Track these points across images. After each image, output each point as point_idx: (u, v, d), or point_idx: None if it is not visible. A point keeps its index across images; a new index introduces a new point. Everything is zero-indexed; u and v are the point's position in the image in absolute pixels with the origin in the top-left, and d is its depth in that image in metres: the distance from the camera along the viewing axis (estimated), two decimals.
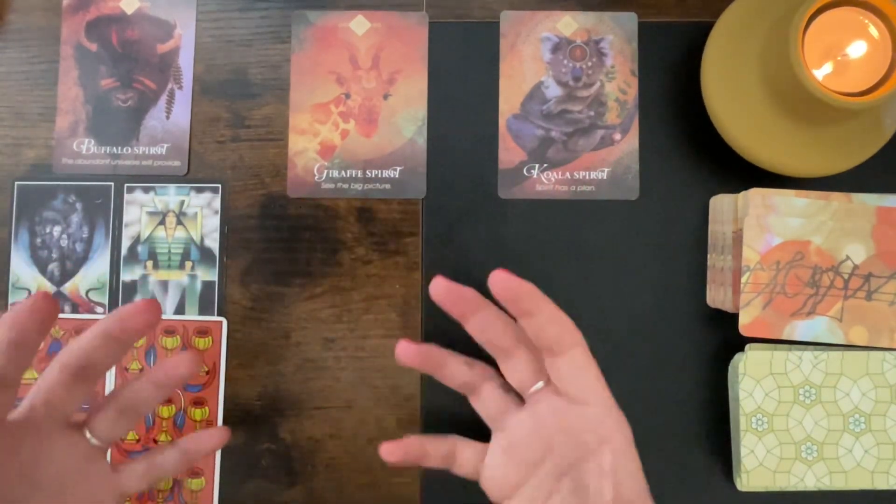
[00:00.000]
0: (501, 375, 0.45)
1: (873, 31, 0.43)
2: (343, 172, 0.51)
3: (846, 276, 0.45)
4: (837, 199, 0.45)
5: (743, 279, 0.45)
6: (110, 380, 0.50)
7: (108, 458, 0.50)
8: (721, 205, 0.49)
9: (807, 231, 0.45)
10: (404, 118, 0.51)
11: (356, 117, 0.51)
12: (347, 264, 0.51)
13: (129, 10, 0.52)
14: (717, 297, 0.49)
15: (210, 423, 0.50)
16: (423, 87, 0.52)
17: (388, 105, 0.52)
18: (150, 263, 0.51)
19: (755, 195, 0.45)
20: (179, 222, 0.51)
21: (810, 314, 0.45)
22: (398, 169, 0.51)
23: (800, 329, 0.45)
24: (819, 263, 0.45)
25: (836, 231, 0.45)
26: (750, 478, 0.46)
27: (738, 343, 0.47)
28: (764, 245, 0.45)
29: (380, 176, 0.51)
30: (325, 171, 0.51)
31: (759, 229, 0.45)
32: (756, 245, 0.45)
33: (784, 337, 0.45)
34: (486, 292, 0.51)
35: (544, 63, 0.52)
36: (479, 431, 0.50)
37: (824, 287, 0.45)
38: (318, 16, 0.52)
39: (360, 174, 0.51)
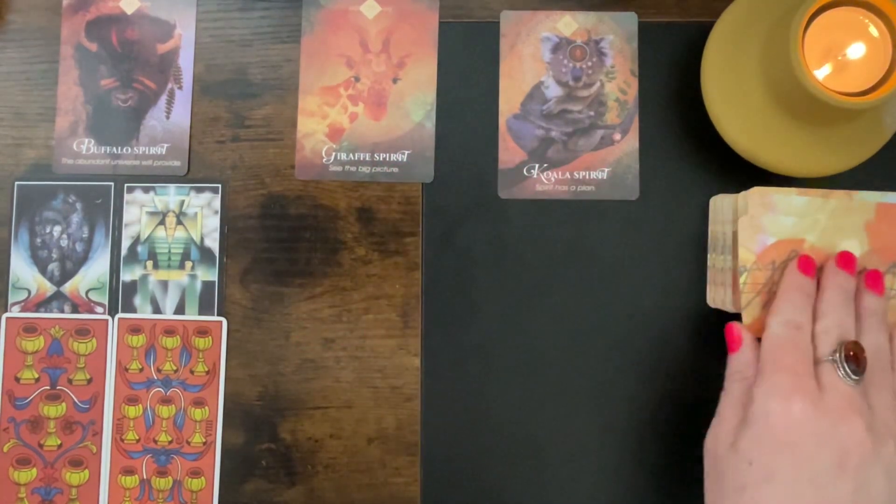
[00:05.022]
0: None
1: (873, 31, 0.43)
2: (351, 155, 0.51)
3: None
4: (838, 196, 0.45)
5: (741, 280, 0.45)
6: (110, 382, 0.50)
7: (110, 453, 0.50)
8: (721, 205, 0.49)
9: (800, 230, 0.45)
10: (413, 102, 0.51)
11: (365, 100, 0.52)
12: (347, 264, 0.51)
13: (129, 10, 0.52)
14: (717, 297, 0.49)
15: (210, 423, 0.50)
16: (432, 72, 0.52)
17: (397, 89, 0.52)
18: (150, 263, 0.51)
19: (754, 195, 0.45)
20: (179, 222, 0.51)
21: None
22: (406, 153, 0.51)
23: None
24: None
25: (830, 228, 0.45)
26: None
27: None
28: (759, 245, 0.45)
29: (388, 159, 0.51)
30: (334, 154, 0.51)
31: (752, 229, 0.45)
32: (751, 245, 0.45)
33: None
34: (486, 292, 0.51)
35: (544, 63, 0.52)
36: (479, 432, 0.50)
37: None
38: None
39: (368, 157, 0.51)
